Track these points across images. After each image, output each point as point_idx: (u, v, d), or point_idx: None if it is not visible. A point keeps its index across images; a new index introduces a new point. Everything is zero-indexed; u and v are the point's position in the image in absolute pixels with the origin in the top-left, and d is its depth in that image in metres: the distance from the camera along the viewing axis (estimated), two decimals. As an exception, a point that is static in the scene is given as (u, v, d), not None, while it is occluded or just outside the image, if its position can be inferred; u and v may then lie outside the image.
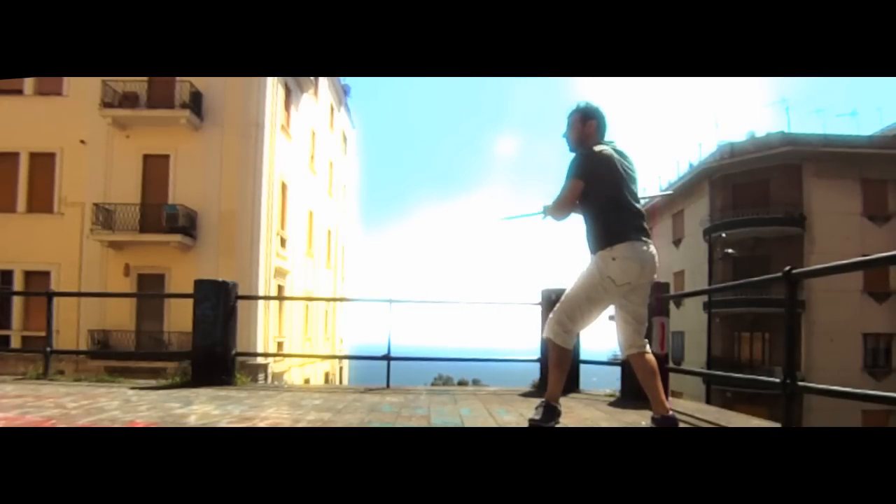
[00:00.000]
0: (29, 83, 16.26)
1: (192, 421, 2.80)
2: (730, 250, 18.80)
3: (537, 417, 2.62)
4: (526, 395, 4.12)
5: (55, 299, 5.12)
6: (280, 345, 17.61)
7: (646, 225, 2.61)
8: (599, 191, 2.58)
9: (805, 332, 19.86)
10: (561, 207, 2.64)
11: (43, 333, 4.99)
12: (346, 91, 27.37)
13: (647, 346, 2.65)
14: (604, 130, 2.68)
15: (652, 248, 2.58)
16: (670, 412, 2.54)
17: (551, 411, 2.65)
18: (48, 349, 4.84)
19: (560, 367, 2.69)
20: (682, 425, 2.94)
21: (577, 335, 2.78)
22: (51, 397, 3.47)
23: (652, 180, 52.72)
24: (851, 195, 21.12)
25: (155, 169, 16.14)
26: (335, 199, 25.73)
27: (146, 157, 16.16)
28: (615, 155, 2.61)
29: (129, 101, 15.81)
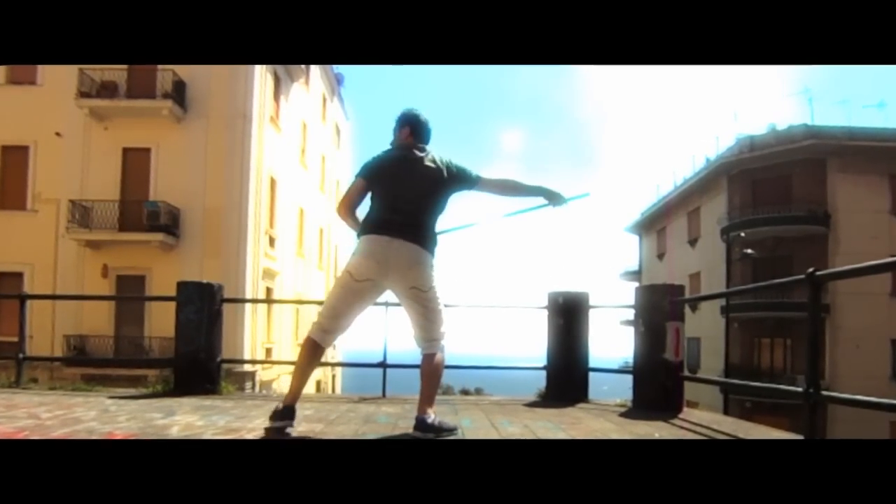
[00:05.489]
0: (0, 71, 16.27)
1: (175, 432, 2.81)
2: (749, 251, 18.78)
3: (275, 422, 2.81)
4: (531, 404, 4.12)
5: (28, 302, 5.12)
6: (269, 351, 17.62)
7: (405, 224, 2.76)
8: (373, 189, 2.89)
9: (829, 338, 19.86)
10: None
11: (15, 339, 4.98)
12: (339, 80, 27.39)
13: (436, 348, 2.85)
14: (420, 139, 2.94)
15: (396, 243, 2.73)
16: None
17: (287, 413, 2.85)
18: (21, 356, 4.84)
19: (310, 368, 3.05)
20: (696, 437, 2.94)
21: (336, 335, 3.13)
22: (24, 407, 3.47)
23: (666, 175, 52.72)
24: (879, 191, 21.13)
25: (135, 163, 16.15)
26: (328, 196, 25.74)
27: (126, 151, 16.17)
28: (396, 159, 2.89)
29: (107, 90, 15.81)
